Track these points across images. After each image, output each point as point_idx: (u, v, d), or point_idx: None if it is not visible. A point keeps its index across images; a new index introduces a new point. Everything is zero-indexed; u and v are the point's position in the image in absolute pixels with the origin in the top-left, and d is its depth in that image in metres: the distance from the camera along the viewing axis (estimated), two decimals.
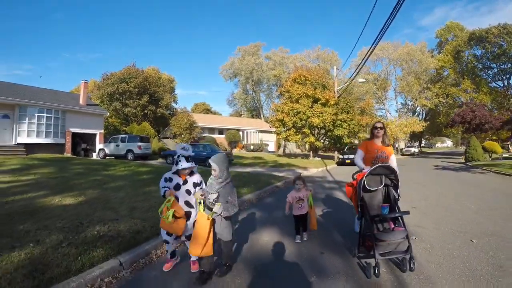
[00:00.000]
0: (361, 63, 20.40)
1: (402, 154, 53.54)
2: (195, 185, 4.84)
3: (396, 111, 67.96)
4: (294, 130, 33.50)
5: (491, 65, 52.77)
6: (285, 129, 34.52)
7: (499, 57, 50.25)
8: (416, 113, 67.90)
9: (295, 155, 42.10)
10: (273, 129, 37.70)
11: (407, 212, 4.91)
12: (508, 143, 44.44)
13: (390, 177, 5.29)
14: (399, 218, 5.05)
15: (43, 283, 4.06)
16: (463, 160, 31.92)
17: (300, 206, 6.12)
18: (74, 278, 4.24)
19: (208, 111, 79.00)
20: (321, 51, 73.03)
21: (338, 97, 33.12)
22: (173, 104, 60.22)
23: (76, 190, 10.32)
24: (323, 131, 35.20)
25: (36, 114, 26.90)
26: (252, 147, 49.86)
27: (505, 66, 51.19)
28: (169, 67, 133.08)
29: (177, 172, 4.77)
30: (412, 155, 52.31)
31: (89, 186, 11.17)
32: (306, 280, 4.51)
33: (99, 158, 28.85)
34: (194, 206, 4.76)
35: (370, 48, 15.31)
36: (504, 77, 53.18)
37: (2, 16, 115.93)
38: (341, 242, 6.11)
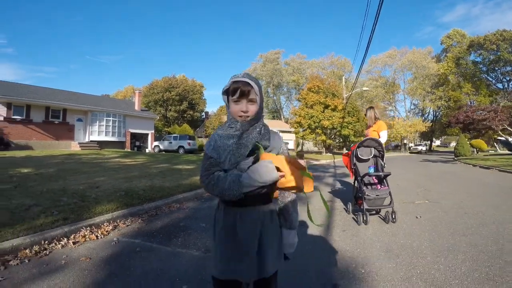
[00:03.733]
0: (357, 74, 22.81)
1: (410, 152, 54.48)
2: None
3: (405, 113, 67.99)
4: (309, 130, 36.91)
5: (495, 68, 52.30)
6: (302, 129, 38.01)
7: (496, 62, 50.26)
8: (426, 114, 67.61)
9: (311, 152, 44.71)
10: (292, 129, 41.01)
11: (389, 173, 5.65)
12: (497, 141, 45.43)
13: (377, 149, 5.96)
14: (384, 179, 5.77)
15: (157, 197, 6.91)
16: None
17: None
18: (166, 200, 6.65)
19: None
20: (335, 57, 74.15)
21: (346, 103, 35.68)
22: (205, 108, 64.33)
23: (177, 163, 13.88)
24: (334, 131, 38.22)
25: (104, 118, 31.01)
26: None
27: (505, 70, 50.93)
28: (194, 69, 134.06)
29: None
30: (419, 152, 52.99)
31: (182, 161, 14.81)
32: (314, 230, 4.93)
33: (153, 152, 32.37)
34: None
35: (362, 62, 18.06)
36: (504, 80, 52.89)
37: (26, 19, 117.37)
38: (340, 206, 6.88)
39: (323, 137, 36.70)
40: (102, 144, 30.12)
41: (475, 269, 3.31)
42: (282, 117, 77.62)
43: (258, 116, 1.82)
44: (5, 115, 25.33)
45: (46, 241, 4.21)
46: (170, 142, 33.77)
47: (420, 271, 3.31)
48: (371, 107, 6.94)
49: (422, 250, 3.92)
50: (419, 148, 56.41)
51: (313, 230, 4.91)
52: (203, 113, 61.80)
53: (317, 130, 36.41)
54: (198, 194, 8.01)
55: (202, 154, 21.38)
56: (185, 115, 53.61)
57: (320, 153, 39.95)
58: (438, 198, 7.48)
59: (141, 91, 42.56)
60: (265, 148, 1.77)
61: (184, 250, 4.06)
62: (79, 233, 4.58)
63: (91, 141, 30.04)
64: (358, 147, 5.96)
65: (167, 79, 53.75)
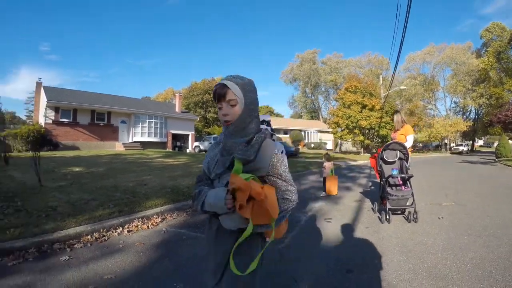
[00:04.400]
0: (393, 73, 22.50)
1: (451, 152, 52.35)
2: None
3: (445, 111, 65.12)
4: (347, 130, 36.67)
5: None
6: (340, 130, 37.87)
7: None
8: (467, 113, 64.33)
9: (349, 152, 44.01)
10: (330, 129, 40.91)
11: (411, 175, 5.78)
12: None
13: (402, 152, 6.11)
14: (408, 181, 5.95)
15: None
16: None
17: (323, 171, 8.65)
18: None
19: (271, 113, 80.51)
20: (372, 56, 72.43)
21: (383, 102, 35.25)
22: None
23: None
24: (372, 131, 37.60)
25: (147, 120, 32.61)
26: (312, 145, 52.06)
27: None
28: (232, 71, 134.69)
29: None
30: (460, 153, 50.72)
31: None
32: (339, 225, 5.44)
33: (194, 152, 33.27)
34: None
35: (397, 62, 17.75)
36: None
37: (68, 27, 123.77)
38: (368, 205, 7.20)
39: (361, 137, 36.40)
40: (144, 145, 31.69)
41: (480, 267, 3.55)
42: (320, 117, 76.90)
43: (244, 119, 1.70)
44: (53, 118, 27.53)
45: (105, 229, 4.92)
46: (210, 143, 34.26)
47: (428, 265, 3.63)
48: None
49: (435, 247, 4.20)
50: (461, 148, 54.05)
51: (338, 225, 5.38)
52: None
53: (355, 131, 36.18)
54: None
55: None
56: None
57: (359, 153, 39.71)
58: (465, 201, 7.55)
59: (181, 93, 44.54)
60: (248, 163, 1.65)
61: None
62: (132, 224, 5.26)
63: (134, 141, 31.69)
64: (384, 150, 6.17)
65: (207, 82, 55.31)
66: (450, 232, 4.89)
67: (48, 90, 29.71)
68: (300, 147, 47.70)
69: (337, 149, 53.15)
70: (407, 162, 6.07)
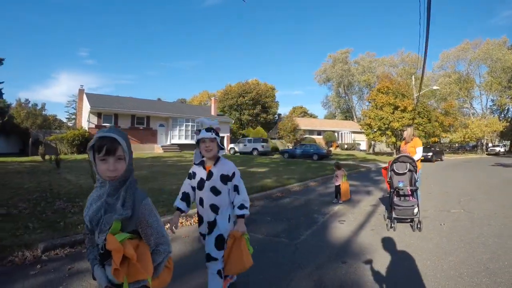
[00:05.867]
0: (422, 72, 22.20)
1: (488, 153, 50.83)
2: (224, 179, 3.10)
3: (481, 110, 62.81)
4: (379, 132, 37.09)
5: None
6: (372, 131, 38.14)
7: None
8: (505, 111, 61.94)
9: (382, 153, 44.13)
10: (363, 130, 41.22)
11: (416, 187, 6.26)
12: None
13: (412, 164, 6.46)
14: (415, 192, 6.35)
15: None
16: None
17: (336, 179, 9.03)
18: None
19: (305, 113, 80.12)
20: (405, 54, 71.20)
21: (416, 103, 34.96)
22: (277, 110, 66.08)
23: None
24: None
25: (184, 123, 34.63)
26: (346, 146, 52.31)
27: None
28: (265, 72, 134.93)
29: (202, 163, 3.22)
30: (497, 154, 48.98)
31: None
32: (349, 225, 6.31)
33: (229, 154, 34.99)
34: (220, 211, 3.09)
35: (425, 59, 16.84)
36: None
37: (104, 32, 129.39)
38: (382, 211, 7.70)
39: (393, 139, 36.51)
40: (182, 147, 33.66)
41: (454, 269, 4.16)
42: (354, 117, 76.27)
43: (127, 174, 1.76)
44: (96, 123, 30.19)
45: None
46: (245, 145, 36.03)
47: (408, 263, 4.39)
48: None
49: (423, 250, 4.89)
50: (497, 149, 51.75)
51: (348, 226, 6.24)
52: (276, 116, 63.83)
53: (387, 132, 36.35)
54: (268, 195, 9.74)
55: (274, 156, 23.23)
56: (259, 118, 56.15)
57: (391, 154, 39.86)
58: (474, 208, 7.97)
59: (216, 97, 46.50)
60: (129, 218, 1.70)
61: (252, 233, 5.66)
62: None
63: (172, 144, 33.81)
64: (395, 162, 6.61)
65: (241, 85, 56.88)
66: (444, 238, 5.51)
67: (90, 96, 32.67)
68: (333, 148, 48.17)
69: (371, 150, 53.16)
70: (416, 173, 6.47)
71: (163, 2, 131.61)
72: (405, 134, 7.46)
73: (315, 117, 79.45)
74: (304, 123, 56.23)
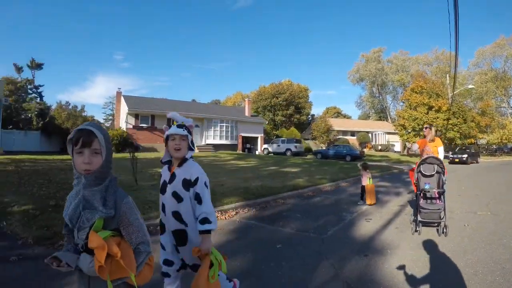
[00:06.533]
0: (454, 74, 21.81)
1: None
2: (186, 184, 2.72)
3: None
4: (413, 133, 36.30)
5: None
6: (406, 132, 37.52)
7: None
8: None
9: (417, 155, 42.85)
10: (397, 131, 40.61)
11: (443, 190, 6.06)
12: None
13: (440, 166, 6.27)
14: (442, 195, 6.12)
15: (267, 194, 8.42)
16: None
17: (362, 179, 9.17)
18: (274, 196, 8.39)
19: (338, 114, 79.02)
20: (439, 52, 68.17)
21: (451, 103, 34.01)
22: (311, 111, 65.99)
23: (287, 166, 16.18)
24: (438, 133, 36.61)
25: (218, 124, 35.48)
26: (379, 147, 51.32)
27: None
28: (299, 72, 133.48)
29: (169, 163, 2.93)
30: None
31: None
32: (375, 223, 6.60)
33: (263, 154, 35.56)
34: (187, 220, 2.75)
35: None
36: None
37: (138, 35, 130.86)
38: (410, 211, 7.68)
39: None
40: (216, 147, 34.45)
41: (471, 267, 4.32)
42: (388, 117, 74.22)
43: (104, 170, 1.75)
44: (133, 124, 31.69)
45: None
46: (278, 145, 36.47)
47: (426, 259, 4.62)
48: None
49: (443, 248, 5.08)
50: None
51: (374, 224, 6.50)
52: (309, 116, 63.90)
53: (422, 133, 35.59)
54: (299, 193, 10.16)
55: (307, 156, 23.38)
56: (292, 119, 56.39)
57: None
58: (502, 211, 7.94)
59: (250, 98, 47.62)
60: (112, 218, 1.74)
61: (282, 228, 6.18)
62: None
63: (207, 144, 34.65)
64: (422, 163, 6.42)
65: (274, 86, 57.35)
66: (466, 238, 5.65)
67: (127, 99, 34.23)
68: (366, 149, 47.61)
69: (405, 152, 52.19)
70: (443, 175, 6.26)
71: (195, 4, 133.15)
72: (427, 132, 7.48)
73: (348, 117, 78.31)
74: (337, 124, 55.70)
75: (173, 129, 2.78)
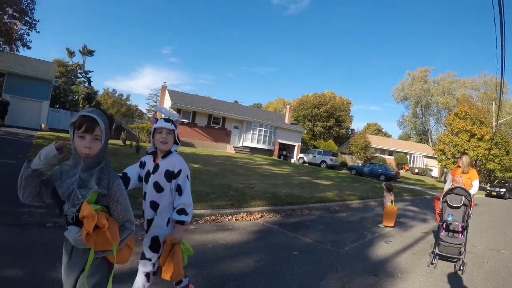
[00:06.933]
0: (499, 101, 21.24)
1: None
2: (169, 175, 2.83)
3: None
4: (453, 159, 34.69)
5: None
6: (445, 158, 36.25)
7: None
8: None
9: None
10: (436, 156, 39.22)
11: (467, 225, 5.82)
12: None
13: (467, 198, 5.93)
14: (465, 230, 5.84)
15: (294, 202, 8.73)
16: None
17: (384, 201, 9.00)
18: (300, 206, 9.00)
19: (379, 131, 77.79)
20: (488, 77, 64.07)
21: (494, 132, 32.76)
22: (351, 125, 64.89)
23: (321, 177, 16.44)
24: (478, 163, 34.95)
25: (258, 128, 36.01)
26: (416, 170, 49.73)
27: None
28: (342, 84, 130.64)
29: (154, 154, 2.97)
30: None
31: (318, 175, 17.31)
32: (394, 245, 6.66)
33: (297, 163, 35.57)
34: (161, 213, 2.84)
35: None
36: None
37: (189, 33, 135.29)
38: (432, 239, 7.29)
39: None
40: (253, 150, 35.10)
41: None
42: (429, 140, 71.11)
43: (101, 154, 1.92)
44: None
45: (219, 215, 7.12)
46: (314, 156, 36.45)
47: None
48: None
49: (453, 281, 5.10)
50: None
51: (392, 246, 6.55)
52: (349, 130, 63.19)
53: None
54: (326, 206, 10.33)
55: (342, 171, 23.15)
56: (331, 131, 56.06)
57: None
58: None
59: (291, 106, 47.95)
60: (103, 196, 1.89)
61: (302, 237, 6.45)
62: (239, 215, 7.39)
63: (244, 146, 35.42)
64: (448, 193, 6.08)
65: (317, 96, 57.38)
66: (480, 275, 5.54)
67: (172, 93, 35.60)
68: (403, 171, 46.52)
69: (442, 178, 50.61)
70: (470, 209, 5.96)
71: (246, 6, 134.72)
72: (460, 162, 6.97)
73: (388, 136, 76.53)
74: (376, 141, 54.65)
75: (161, 123, 2.86)
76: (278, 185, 12.60)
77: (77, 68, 47.36)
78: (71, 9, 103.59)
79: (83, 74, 47.35)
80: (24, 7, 17.69)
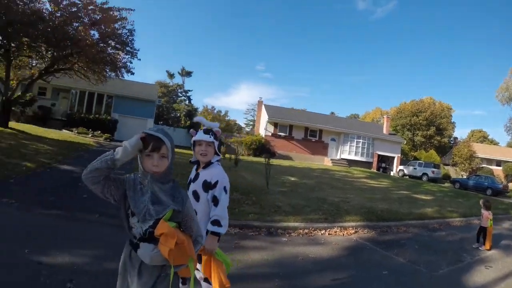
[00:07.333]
0: None
1: None
2: (206, 186, 2.90)
3: None
4: None
5: None
6: None
7: None
8: None
9: None
10: None
11: None
12: None
13: None
14: None
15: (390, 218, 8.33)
16: None
17: (482, 219, 7.94)
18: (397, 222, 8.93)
19: (484, 138, 69.51)
20: None
21: None
22: (453, 133, 59.27)
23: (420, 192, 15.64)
24: None
25: (355, 140, 35.28)
26: None
27: None
28: (440, 88, 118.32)
29: (197, 163, 3.08)
30: None
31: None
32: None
33: (397, 176, 33.64)
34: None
35: None
36: None
37: (278, 48, 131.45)
38: None
39: None
40: (350, 162, 34.24)
41: None
42: None
43: (169, 172, 1.95)
44: (272, 132, 34.09)
45: (312, 228, 7.35)
46: (415, 168, 33.98)
47: None
48: None
49: None
50: None
51: (492, 273, 5.99)
52: (451, 139, 58.27)
53: None
54: (424, 224, 9.75)
55: (444, 184, 21.68)
56: (432, 141, 52.37)
57: None
58: None
59: (389, 115, 45.41)
60: (178, 212, 1.93)
61: (395, 256, 6.33)
62: (332, 229, 7.54)
63: (341, 158, 34.80)
64: None
65: (414, 103, 54.06)
66: None
67: (268, 108, 36.95)
68: None
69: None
70: None
71: (333, 17, 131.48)
72: None
73: (496, 143, 66.03)
74: (482, 150, 47.56)
75: (200, 135, 2.86)
76: (375, 199, 12.32)
77: (177, 88, 52.76)
78: (171, 36, 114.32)
79: (183, 93, 52.23)
80: (124, 39, 20.29)
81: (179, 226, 1.95)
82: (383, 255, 6.29)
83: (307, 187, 13.27)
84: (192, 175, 3.04)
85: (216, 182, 2.85)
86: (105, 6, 18.15)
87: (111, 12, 18.56)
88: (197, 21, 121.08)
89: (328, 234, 7.19)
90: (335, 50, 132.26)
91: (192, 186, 2.95)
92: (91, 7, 17.91)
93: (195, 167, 3.08)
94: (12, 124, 19.45)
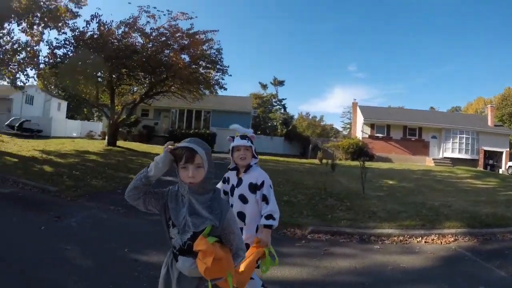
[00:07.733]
0: None
1: None
2: (253, 188, 3.09)
3: None
4: None
5: None
6: None
7: None
8: None
9: None
10: None
11: None
12: None
13: None
14: None
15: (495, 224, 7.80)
16: None
17: None
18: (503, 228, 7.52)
19: None
20: None
21: None
22: None
23: None
24: None
25: (458, 135, 32.10)
26: None
27: None
28: None
29: (236, 169, 3.22)
30: None
31: None
32: None
33: (506, 174, 29.44)
34: (248, 221, 3.10)
35: None
36: None
37: (371, 47, 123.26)
38: None
39: None
40: (454, 161, 30.93)
41: None
42: None
43: (207, 181, 1.88)
44: (369, 133, 32.95)
45: (408, 236, 6.90)
46: None
47: None
48: None
49: None
50: None
51: None
52: None
53: None
54: None
55: None
56: None
57: None
58: None
59: (493, 104, 40.52)
60: (215, 227, 1.85)
61: (496, 269, 5.32)
62: (429, 237, 6.94)
63: (444, 157, 31.84)
64: None
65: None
66: None
67: (363, 109, 35.65)
68: None
69: None
70: None
71: (419, 9, 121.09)
72: None
73: None
74: None
75: (237, 141, 3.04)
76: (479, 202, 10.84)
77: (272, 98, 53.96)
78: (261, 46, 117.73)
79: (278, 102, 53.46)
80: (213, 58, 22.12)
81: (220, 240, 1.90)
82: (482, 267, 5.51)
83: (406, 190, 12.59)
84: (233, 182, 3.19)
85: (263, 182, 3.04)
86: (190, 31, 20.18)
87: (197, 36, 20.45)
88: (285, 29, 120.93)
89: (425, 242, 6.67)
90: (426, 41, 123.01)
91: (237, 191, 3.11)
92: (178, 34, 20.18)
93: (231, 174, 3.26)
94: (120, 142, 22.37)
